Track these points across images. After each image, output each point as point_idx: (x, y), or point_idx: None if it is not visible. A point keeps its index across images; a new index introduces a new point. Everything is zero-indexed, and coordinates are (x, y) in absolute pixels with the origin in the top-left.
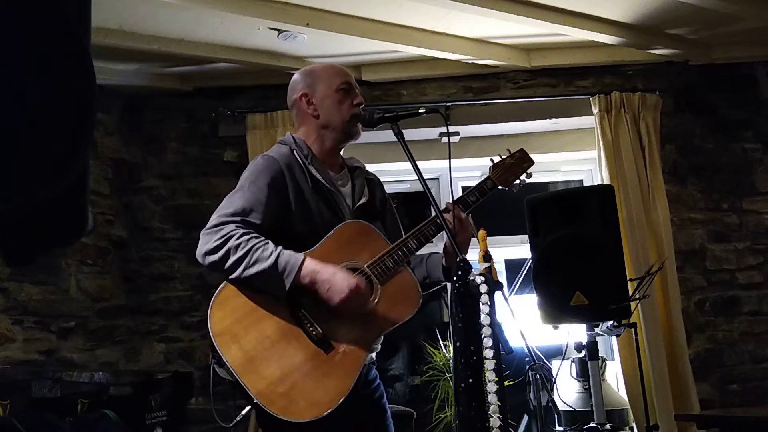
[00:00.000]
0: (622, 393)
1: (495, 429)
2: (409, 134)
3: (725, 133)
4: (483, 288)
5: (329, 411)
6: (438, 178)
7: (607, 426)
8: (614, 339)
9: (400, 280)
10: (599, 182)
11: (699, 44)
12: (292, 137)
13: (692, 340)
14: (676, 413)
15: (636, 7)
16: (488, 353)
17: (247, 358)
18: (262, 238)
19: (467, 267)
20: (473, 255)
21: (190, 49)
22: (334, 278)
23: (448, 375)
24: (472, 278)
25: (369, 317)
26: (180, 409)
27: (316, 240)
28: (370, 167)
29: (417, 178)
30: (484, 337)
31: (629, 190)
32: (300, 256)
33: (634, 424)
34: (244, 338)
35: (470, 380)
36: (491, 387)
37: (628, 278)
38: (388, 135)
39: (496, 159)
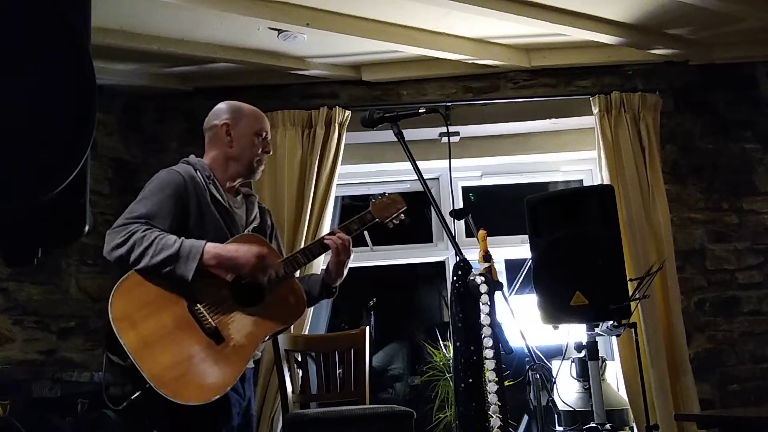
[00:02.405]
0: (622, 393)
1: (495, 429)
2: (409, 134)
3: (725, 133)
4: (483, 288)
5: (216, 397)
6: (438, 178)
7: (607, 426)
8: (614, 339)
9: (289, 288)
10: (599, 182)
11: (699, 44)
12: (196, 160)
13: (692, 340)
14: (676, 413)
15: (636, 7)
16: (488, 353)
17: (143, 343)
18: (164, 231)
19: (467, 267)
20: (473, 255)
21: (190, 49)
22: (238, 252)
23: (448, 375)
24: (472, 278)
25: (259, 318)
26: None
27: None
28: (370, 167)
29: (417, 178)
30: (484, 337)
31: (629, 190)
32: (202, 241)
33: (634, 424)
34: (142, 325)
35: (470, 380)
36: (491, 387)
37: (628, 278)
38: (388, 135)
39: (376, 198)
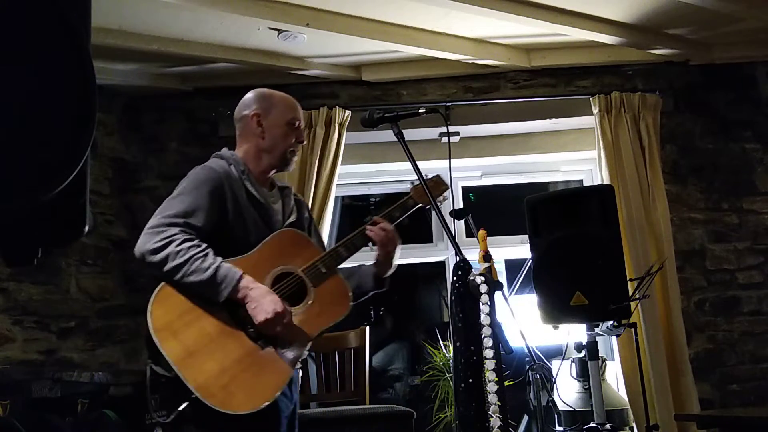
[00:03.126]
0: (622, 393)
1: (495, 429)
2: (409, 134)
3: (725, 133)
4: (483, 288)
5: (266, 404)
6: None
7: (607, 426)
8: (614, 339)
9: (332, 285)
10: (599, 182)
11: (699, 44)
12: (229, 154)
13: (692, 340)
14: (676, 413)
15: (636, 7)
16: (488, 353)
17: (186, 353)
18: (204, 245)
19: (467, 267)
20: (473, 255)
21: (190, 49)
22: (263, 299)
23: (448, 375)
24: (472, 278)
25: (304, 317)
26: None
27: (250, 248)
28: (370, 167)
29: (417, 178)
30: (484, 337)
31: (629, 190)
32: (238, 272)
33: (634, 424)
34: (183, 334)
35: (470, 380)
36: (491, 387)
37: (628, 278)
38: (388, 135)
39: (416, 181)
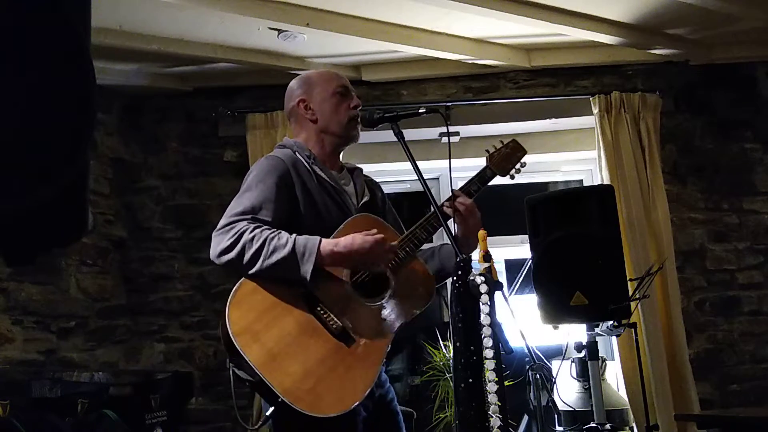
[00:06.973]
0: (622, 393)
1: (495, 429)
2: (409, 134)
3: (725, 133)
4: (483, 288)
5: (356, 404)
6: (438, 178)
7: (607, 426)
8: (614, 339)
9: (414, 271)
10: (599, 182)
11: (699, 44)
12: (292, 141)
13: (692, 340)
14: (676, 413)
15: (636, 7)
16: (488, 353)
17: (270, 356)
18: (274, 228)
19: (467, 267)
20: (473, 255)
21: (190, 49)
22: (353, 242)
23: (448, 375)
24: (472, 278)
25: (386, 308)
26: (180, 409)
27: (325, 236)
28: (370, 167)
29: (417, 178)
30: (484, 337)
31: (629, 190)
32: (316, 238)
33: (634, 424)
34: (264, 336)
35: (470, 380)
36: (491, 387)
37: (628, 278)
38: (388, 135)
39: (491, 150)
